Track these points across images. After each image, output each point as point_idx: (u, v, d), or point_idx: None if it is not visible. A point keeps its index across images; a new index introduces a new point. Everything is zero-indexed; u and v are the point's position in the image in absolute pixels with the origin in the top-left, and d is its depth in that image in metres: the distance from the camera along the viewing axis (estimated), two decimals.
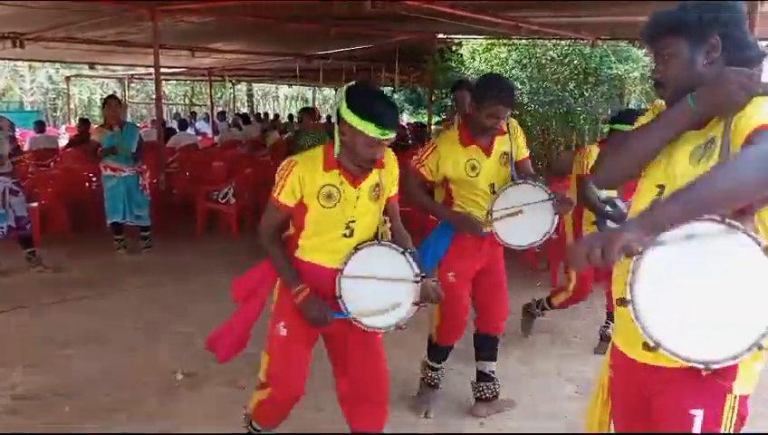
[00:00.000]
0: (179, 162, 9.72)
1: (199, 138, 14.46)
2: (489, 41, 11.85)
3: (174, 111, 27.23)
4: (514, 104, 3.09)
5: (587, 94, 11.45)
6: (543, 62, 11.61)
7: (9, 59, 17.19)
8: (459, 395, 3.51)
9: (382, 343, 2.55)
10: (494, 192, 3.07)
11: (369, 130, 2.20)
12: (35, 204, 6.90)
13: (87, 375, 3.75)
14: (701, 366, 1.40)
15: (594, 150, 4.04)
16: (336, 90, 30.78)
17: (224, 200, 7.61)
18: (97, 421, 3.20)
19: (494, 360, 3.38)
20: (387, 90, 29.30)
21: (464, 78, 9.82)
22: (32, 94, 31.29)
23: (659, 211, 1.38)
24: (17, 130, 6.98)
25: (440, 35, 11.00)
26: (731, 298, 1.39)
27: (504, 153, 3.13)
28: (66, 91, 23.59)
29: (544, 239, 3.08)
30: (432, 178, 3.16)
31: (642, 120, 1.76)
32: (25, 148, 10.36)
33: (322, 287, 2.41)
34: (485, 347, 3.35)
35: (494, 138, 3.10)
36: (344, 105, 2.24)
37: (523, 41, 11.27)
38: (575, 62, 11.40)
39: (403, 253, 2.40)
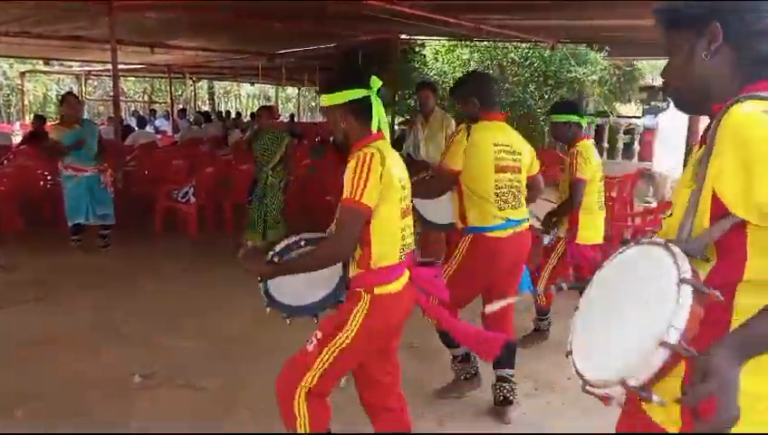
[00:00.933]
0: (138, 160, 9.54)
1: (159, 136, 14.23)
2: (451, 42, 11.97)
3: (132, 109, 26.68)
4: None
5: (547, 96, 11.66)
6: (504, 63, 11.79)
7: None
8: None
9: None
10: None
11: None
12: None
13: (43, 378, 3.66)
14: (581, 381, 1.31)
15: (585, 147, 4.05)
16: (299, 88, 30.66)
17: (184, 199, 7.50)
18: (53, 426, 3.12)
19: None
20: None
21: (428, 79, 9.90)
22: None
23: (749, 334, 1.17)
24: None
25: (403, 36, 11.05)
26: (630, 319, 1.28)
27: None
28: (20, 86, 22.94)
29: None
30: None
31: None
32: None
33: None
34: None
35: None
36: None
37: (485, 43, 11.40)
38: (535, 64, 11.61)
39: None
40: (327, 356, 2.29)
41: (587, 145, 4.09)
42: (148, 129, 14.46)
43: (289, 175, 6.58)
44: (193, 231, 7.26)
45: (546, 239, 4.06)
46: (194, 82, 22.89)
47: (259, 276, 2.46)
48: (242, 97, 40.97)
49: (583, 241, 4.05)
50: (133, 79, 27.77)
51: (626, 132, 12.18)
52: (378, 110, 2.30)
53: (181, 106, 22.88)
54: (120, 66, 8.65)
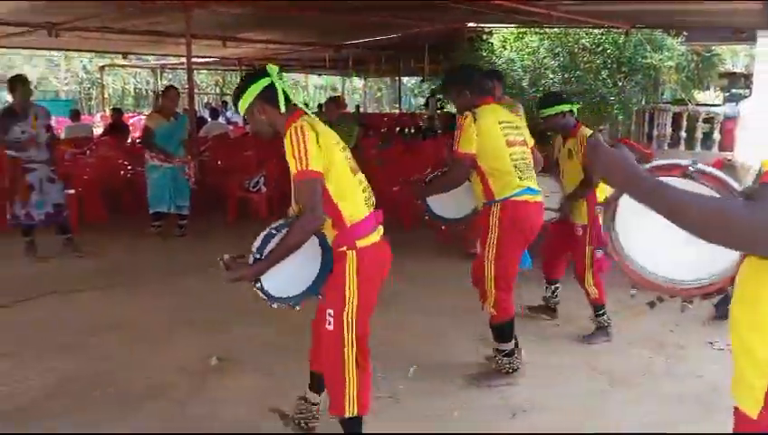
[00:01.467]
0: (211, 151, 9.83)
1: (231, 127, 14.60)
2: (520, 29, 11.72)
3: (206, 101, 27.48)
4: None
5: (620, 84, 11.27)
6: (576, 50, 11.44)
7: (44, 48, 17.51)
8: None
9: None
10: None
11: None
12: (72, 191, 7.05)
13: (121, 361, 3.84)
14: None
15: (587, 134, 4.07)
16: (365, 79, 30.81)
17: (255, 189, 7.69)
18: (133, 404, 3.27)
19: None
20: (415, 79, 29.22)
21: (495, 68, 9.74)
22: (66, 84, 31.88)
23: (646, 180, 1.33)
24: (53, 118, 7.13)
25: (470, 24, 10.92)
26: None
27: None
28: (100, 80, 24.00)
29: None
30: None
31: None
32: (61, 136, 10.58)
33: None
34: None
35: None
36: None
37: (555, 29, 11.12)
38: (608, 50, 11.22)
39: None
40: (348, 322, 2.52)
41: (587, 131, 4.12)
42: (221, 120, 14.85)
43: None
44: (263, 219, 7.43)
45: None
46: None
47: (251, 281, 2.49)
48: (309, 88, 41.55)
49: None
50: (206, 72, 28.55)
51: (705, 121, 11.63)
52: (281, 89, 2.47)
53: None
54: (193, 60, 8.92)
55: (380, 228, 2.58)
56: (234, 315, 4.58)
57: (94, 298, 5.02)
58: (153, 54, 16.87)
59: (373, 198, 2.61)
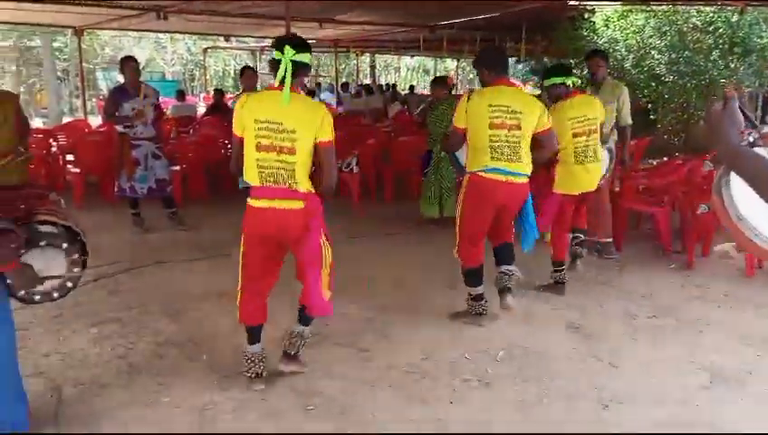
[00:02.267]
0: None
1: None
2: (625, 7, 11.20)
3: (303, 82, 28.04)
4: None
5: (732, 66, 10.57)
6: (685, 29, 10.82)
7: (153, 31, 18.38)
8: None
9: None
10: None
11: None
12: (177, 167, 7.41)
13: (220, 328, 4.03)
14: None
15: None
16: (458, 60, 30.41)
17: (347, 169, 7.79)
18: (229, 371, 3.43)
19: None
20: (512, 59, 28.57)
21: (598, 47, 9.37)
22: (172, 65, 33.45)
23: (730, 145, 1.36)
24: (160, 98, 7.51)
25: (572, 2, 10.52)
26: None
27: None
28: (203, 62, 25.01)
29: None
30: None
31: None
32: (168, 115, 11.13)
33: None
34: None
35: None
36: None
37: (663, 7, 10.55)
38: (720, 30, 10.53)
39: None
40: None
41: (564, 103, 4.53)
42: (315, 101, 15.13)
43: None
44: (357, 200, 7.53)
45: None
46: (357, 55, 23.56)
47: None
48: (401, 70, 41.56)
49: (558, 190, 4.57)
50: None
51: None
52: (281, 69, 2.93)
53: (344, 80, 23.65)
54: None
55: (271, 201, 3.04)
56: None
57: (194, 269, 5.29)
58: (252, 37, 17.36)
59: (277, 178, 2.97)
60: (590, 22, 11.69)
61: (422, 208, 6.61)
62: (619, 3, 10.90)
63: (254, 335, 3.33)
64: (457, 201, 4.11)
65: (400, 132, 10.10)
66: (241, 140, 3.01)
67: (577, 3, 10.80)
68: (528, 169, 3.89)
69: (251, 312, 3.31)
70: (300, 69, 2.99)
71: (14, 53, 22.65)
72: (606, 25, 11.67)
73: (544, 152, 3.99)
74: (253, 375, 3.26)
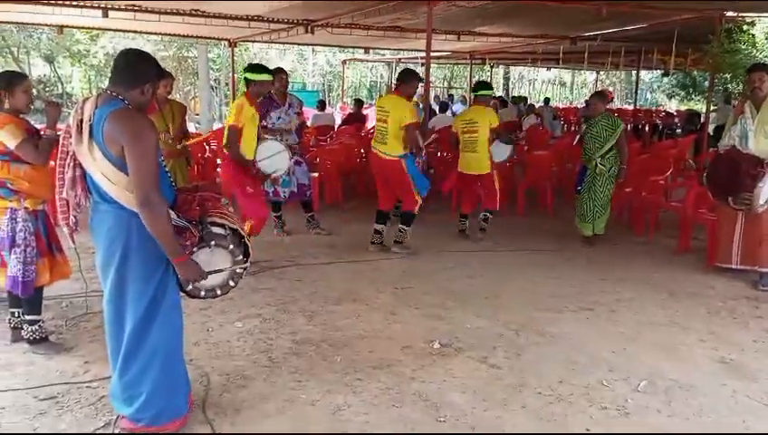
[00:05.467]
0: (437, 143, 10.09)
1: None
2: None
3: (434, 94, 28.29)
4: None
5: None
6: None
7: (299, 44, 19.32)
8: None
9: None
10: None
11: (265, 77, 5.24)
12: (316, 174, 7.73)
13: (354, 331, 4.14)
14: None
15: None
16: (597, 72, 29.29)
17: None
18: (362, 374, 3.52)
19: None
20: (655, 73, 27.09)
21: (761, 61, 8.66)
22: (313, 76, 34.93)
23: None
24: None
25: (729, 13, 9.79)
26: None
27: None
28: (341, 73, 25.91)
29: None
30: None
31: None
32: (308, 124, 11.63)
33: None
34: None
35: None
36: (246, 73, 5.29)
37: None
38: None
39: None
40: None
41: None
42: (448, 113, 15.19)
43: (621, 163, 6.25)
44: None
45: None
46: (492, 67, 23.37)
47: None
48: (536, 82, 40.71)
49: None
50: (436, 65, 29.37)
51: None
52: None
53: None
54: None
55: None
56: (455, 303, 4.70)
57: (329, 271, 5.47)
58: (391, 49, 17.73)
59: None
60: (750, 35, 10.84)
61: (579, 226, 6.47)
62: None
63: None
64: None
65: (534, 146, 9.89)
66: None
67: (735, 14, 10.06)
68: (392, 150, 5.73)
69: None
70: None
71: (173, 63, 24.64)
72: (767, 39, 10.77)
73: (408, 140, 5.70)
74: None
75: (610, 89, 29.24)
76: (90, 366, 3.58)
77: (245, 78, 5.33)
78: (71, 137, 2.60)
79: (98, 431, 2.93)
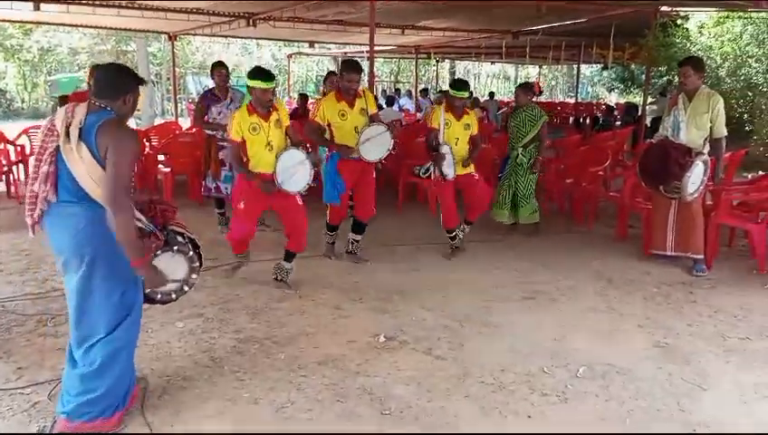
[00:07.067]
0: None
1: (403, 114, 14.91)
2: (721, 14, 10.69)
3: (381, 88, 28.32)
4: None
5: None
6: None
7: (241, 37, 19.03)
8: None
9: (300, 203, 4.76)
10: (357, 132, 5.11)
11: (259, 84, 4.42)
12: None
13: (298, 328, 4.10)
14: None
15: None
16: (540, 67, 29.87)
17: (425, 175, 7.77)
18: (306, 370, 3.49)
19: (362, 233, 5.69)
20: (596, 67, 27.77)
21: (691, 55, 8.96)
22: None
23: None
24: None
25: (663, 8, 10.12)
26: None
27: (362, 108, 5.20)
28: (287, 67, 25.66)
29: (386, 155, 5.28)
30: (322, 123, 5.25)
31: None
32: None
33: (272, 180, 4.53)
34: (360, 228, 5.67)
35: (354, 98, 5.19)
36: (247, 76, 4.61)
37: (764, 14, 9.99)
38: None
39: (299, 148, 4.59)
40: None
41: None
42: (394, 107, 15.23)
43: (539, 155, 6.38)
44: (433, 207, 7.51)
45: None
46: (437, 61, 23.56)
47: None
48: (481, 76, 41.24)
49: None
50: (381, 60, 29.42)
51: None
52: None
53: (423, 86, 23.70)
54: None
55: None
56: (400, 297, 4.71)
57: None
58: (335, 43, 17.67)
59: None
60: (684, 29, 11.24)
61: (492, 212, 6.53)
62: (714, 9, 10.42)
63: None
64: None
65: (482, 138, 9.99)
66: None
67: (669, 9, 10.40)
68: None
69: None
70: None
71: (111, 57, 23.92)
72: (700, 32, 11.19)
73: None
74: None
75: (541, 81, 29.80)
76: (23, 372, 3.45)
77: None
78: (52, 135, 2.72)
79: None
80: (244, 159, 4.54)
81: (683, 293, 4.88)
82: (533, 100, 6.65)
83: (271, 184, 4.47)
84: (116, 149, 2.63)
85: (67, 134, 2.69)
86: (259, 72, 4.48)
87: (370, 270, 5.39)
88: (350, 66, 5.21)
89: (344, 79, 5.14)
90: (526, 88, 6.61)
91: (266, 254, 5.75)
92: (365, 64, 8.39)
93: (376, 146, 5.13)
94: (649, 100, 12.23)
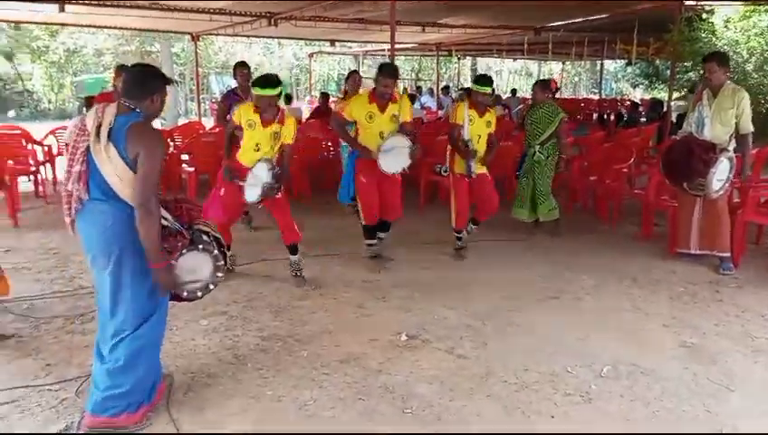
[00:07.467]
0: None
1: (424, 112, 14.88)
2: (748, 7, 10.49)
3: (402, 87, 28.27)
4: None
5: None
6: None
7: (263, 37, 19.14)
8: None
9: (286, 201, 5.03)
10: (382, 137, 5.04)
11: (257, 90, 4.45)
12: None
13: (321, 326, 4.12)
14: None
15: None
16: (563, 63, 29.58)
17: (446, 174, 7.75)
18: (329, 368, 3.51)
19: (387, 231, 5.70)
20: (620, 63, 27.43)
21: (717, 50, 8.83)
22: (280, 69, 34.63)
23: None
24: None
25: (688, 2, 9.97)
26: None
27: (394, 115, 5.09)
28: (308, 66, 25.75)
29: (400, 171, 5.17)
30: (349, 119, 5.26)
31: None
32: None
33: (242, 174, 4.58)
34: (385, 227, 5.62)
35: (387, 102, 5.06)
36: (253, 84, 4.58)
37: None
38: None
39: (271, 166, 4.58)
40: None
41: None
42: (416, 105, 15.20)
43: (560, 153, 6.34)
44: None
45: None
46: (459, 59, 23.48)
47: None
48: (503, 73, 40.98)
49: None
50: (403, 57, 29.38)
51: None
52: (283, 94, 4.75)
53: (445, 83, 23.63)
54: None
55: None
56: (422, 296, 4.71)
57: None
58: (356, 42, 17.69)
59: None
60: (709, 23, 11.05)
61: (513, 211, 6.50)
62: (740, 2, 10.23)
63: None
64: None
65: (501, 137, 9.94)
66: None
67: (694, 3, 10.24)
68: None
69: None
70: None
71: (135, 58, 24.22)
72: (726, 27, 11.00)
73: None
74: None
75: (564, 78, 29.53)
76: (51, 369, 3.51)
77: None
78: (84, 135, 2.79)
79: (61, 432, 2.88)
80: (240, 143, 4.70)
81: (709, 292, 4.82)
82: (553, 97, 6.59)
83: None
84: (146, 156, 2.71)
85: (97, 134, 2.76)
86: (257, 80, 4.53)
87: (393, 269, 5.39)
88: (386, 71, 5.09)
89: (380, 84, 5.03)
90: (543, 85, 6.56)
91: (285, 253, 5.78)
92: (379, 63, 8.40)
93: (394, 157, 5.05)
94: (676, 95, 12.05)
